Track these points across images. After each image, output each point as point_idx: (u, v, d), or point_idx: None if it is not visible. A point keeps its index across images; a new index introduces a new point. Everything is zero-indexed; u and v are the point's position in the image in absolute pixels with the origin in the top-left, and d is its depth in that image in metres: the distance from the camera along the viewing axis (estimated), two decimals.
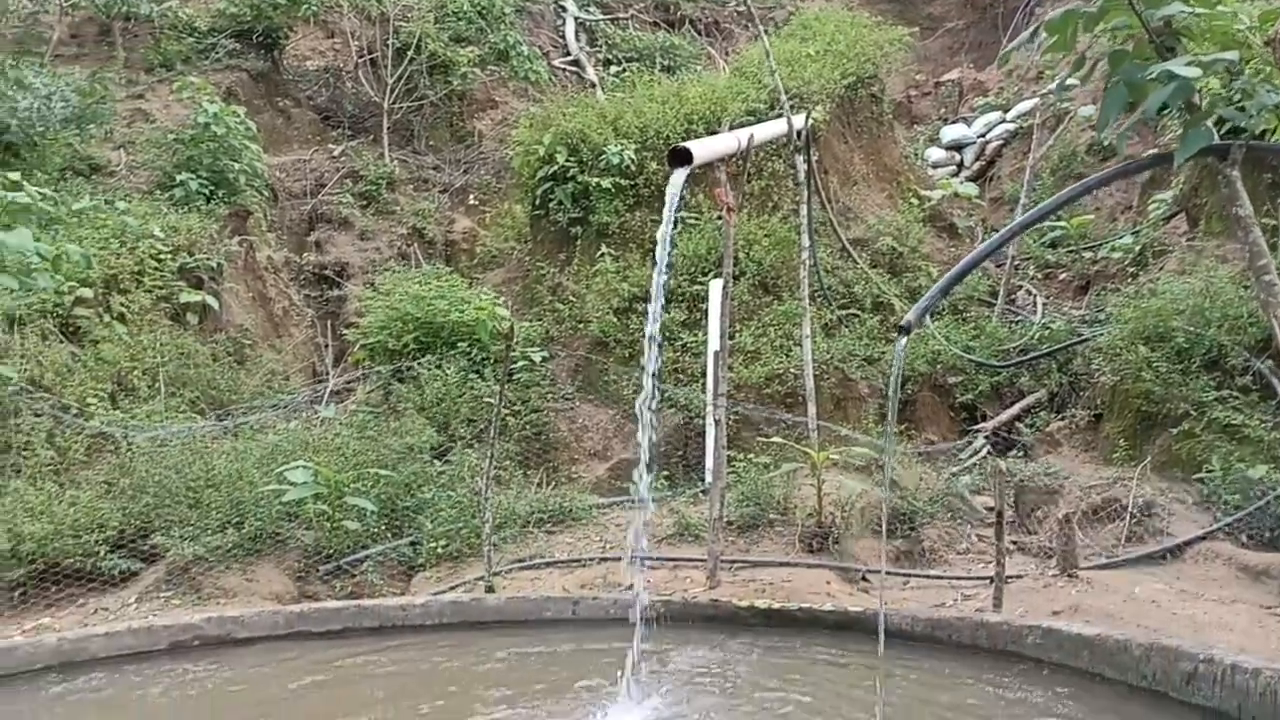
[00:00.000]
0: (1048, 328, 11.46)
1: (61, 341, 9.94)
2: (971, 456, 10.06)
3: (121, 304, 10.65)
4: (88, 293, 10.25)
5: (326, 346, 14.00)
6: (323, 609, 7.03)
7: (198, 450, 9.07)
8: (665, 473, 10.11)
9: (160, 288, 11.20)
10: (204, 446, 9.22)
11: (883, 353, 11.02)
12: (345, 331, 13.01)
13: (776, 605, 6.77)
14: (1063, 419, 10.53)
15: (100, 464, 9.19)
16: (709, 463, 9.15)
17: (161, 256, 11.28)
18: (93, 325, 10.28)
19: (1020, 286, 13.04)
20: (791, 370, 10.50)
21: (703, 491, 9.63)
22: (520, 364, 11.02)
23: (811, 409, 9.52)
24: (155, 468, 8.72)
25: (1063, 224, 13.69)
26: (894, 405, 6.02)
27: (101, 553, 8.07)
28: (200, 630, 6.55)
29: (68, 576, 8.01)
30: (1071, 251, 13.59)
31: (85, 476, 8.87)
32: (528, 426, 10.70)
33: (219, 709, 5.26)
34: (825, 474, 8.67)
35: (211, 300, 11.71)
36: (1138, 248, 12.43)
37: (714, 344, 9.38)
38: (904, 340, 4.70)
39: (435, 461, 9.73)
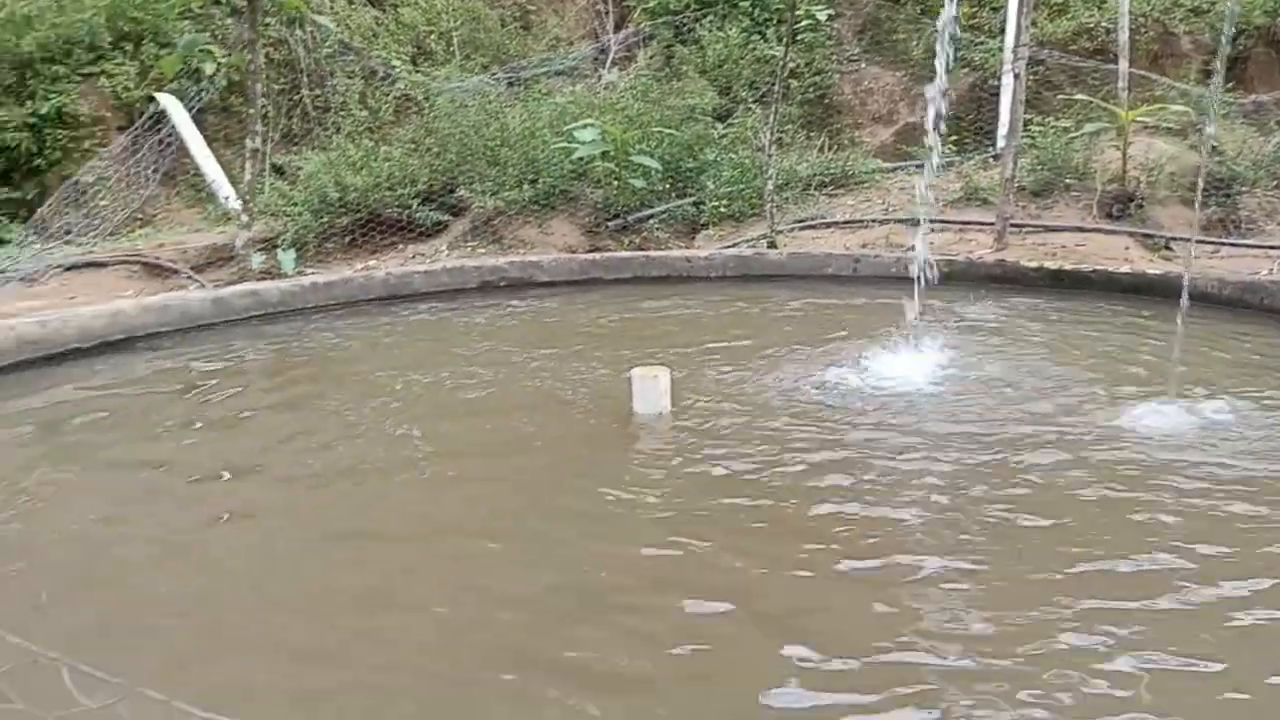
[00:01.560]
0: None
1: (365, 5, 10.38)
2: None
3: None
4: None
5: (607, 12, 13.92)
6: (614, 258, 7.43)
7: (493, 111, 9.47)
8: (953, 137, 9.68)
9: None
10: (498, 108, 9.61)
11: (1212, 3, 9.77)
12: None
13: (1068, 267, 6.54)
14: None
15: (407, 123, 9.81)
16: (1002, 123, 8.67)
17: None
18: None
19: None
20: (1103, 24, 9.54)
21: (994, 156, 9.19)
22: (804, 23, 10.57)
23: (1123, 65, 8.70)
24: (455, 127, 9.21)
25: None
26: (1223, 57, 5.37)
27: (414, 205, 8.75)
28: (505, 272, 7.11)
29: (387, 225, 8.79)
30: None
31: (395, 134, 9.50)
32: (811, 89, 10.42)
33: (545, 331, 5.77)
34: (1133, 136, 8.03)
35: None
36: None
37: None
38: None
39: (717, 124, 9.73)
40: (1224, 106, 8.77)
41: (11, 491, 3.35)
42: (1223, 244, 7.47)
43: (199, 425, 4.11)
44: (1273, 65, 9.80)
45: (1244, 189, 7.93)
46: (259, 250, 7.87)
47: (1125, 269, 6.41)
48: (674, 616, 2.46)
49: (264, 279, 7.17)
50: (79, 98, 9.70)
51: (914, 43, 10.44)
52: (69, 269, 7.84)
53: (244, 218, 7.25)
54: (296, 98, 10.04)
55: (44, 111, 9.52)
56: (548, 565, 2.77)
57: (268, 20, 9.41)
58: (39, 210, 8.68)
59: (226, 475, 3.52)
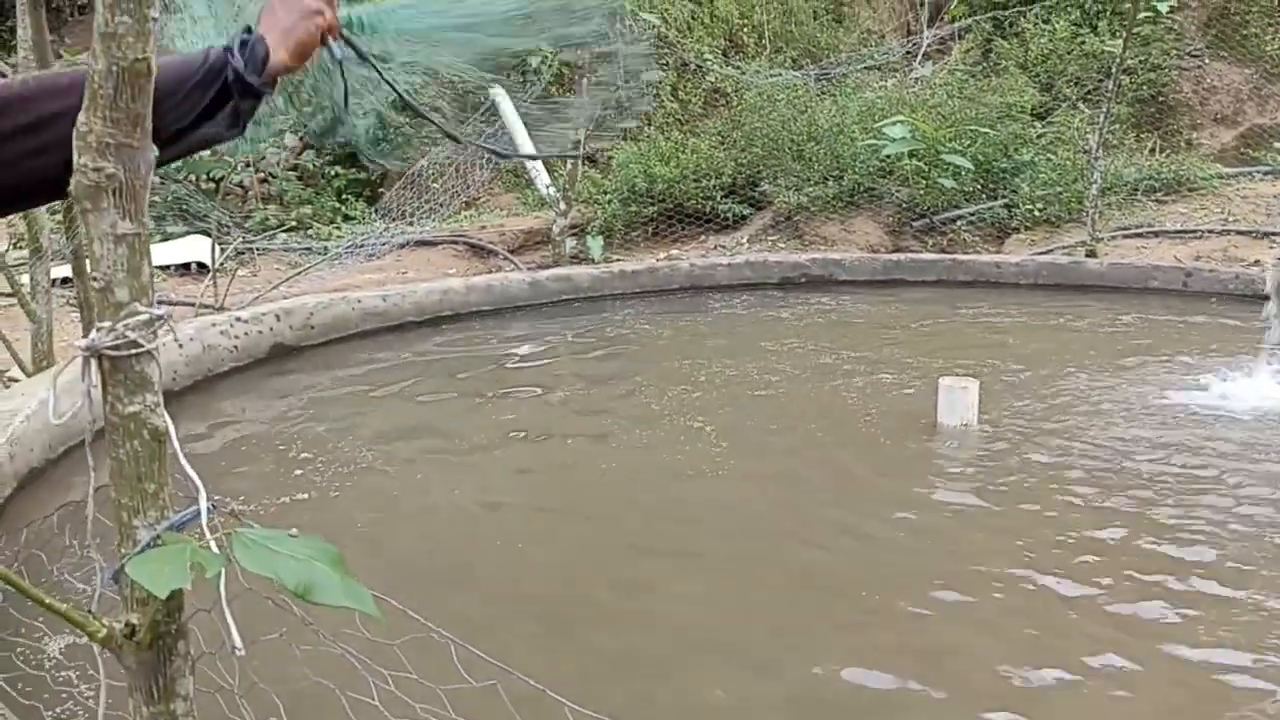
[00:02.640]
0: None
1: None
2: None
3: None
4: None
5: (922, 4, 13.54)
6: (918, 259, 7.26)
7: (801, 106, 9.44)
8: None
9: None
10: (807, 103, 9.57)
11: None
12: None
13: None
14: None
15: (716, 116, 9.97)
16: None
17: None
18: None
19: None
20: None
21: None
22: (1143, 14, 9.83)
23: None
24: (763, 121, 9.26)
25: None
26: None
27: (718, 197, 8.89)
28: (806, 269, 7.11)
29: (690, 216, 8.97)
30: None
31: (704, 127, 9.68)
32: (1144, 86, 9.70)
33: (847, 332, 5.71)
34: None
35: None
36: None
37: None
38: None
39: (1036, 123, 9.26)
40: None
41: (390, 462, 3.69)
42: None
43: (515, 398, 4.38)
44: None
45: None
46: (570, 236, 8.26)
47: None
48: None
49: (574, 263, 7.52)
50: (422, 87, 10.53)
51: (1269, 36, 9.49)
52: (403, 246, 8.53)
53: (562, 205, 7.63)
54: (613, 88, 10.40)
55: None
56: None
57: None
58: (386, 194, 9.49)
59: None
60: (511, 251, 8.69)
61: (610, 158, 9.54)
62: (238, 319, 4.84)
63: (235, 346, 4.70)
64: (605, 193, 8.93)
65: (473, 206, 10.08)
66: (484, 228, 9.11)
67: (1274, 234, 6.97)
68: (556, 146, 2.75)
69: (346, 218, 9.65)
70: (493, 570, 2.80)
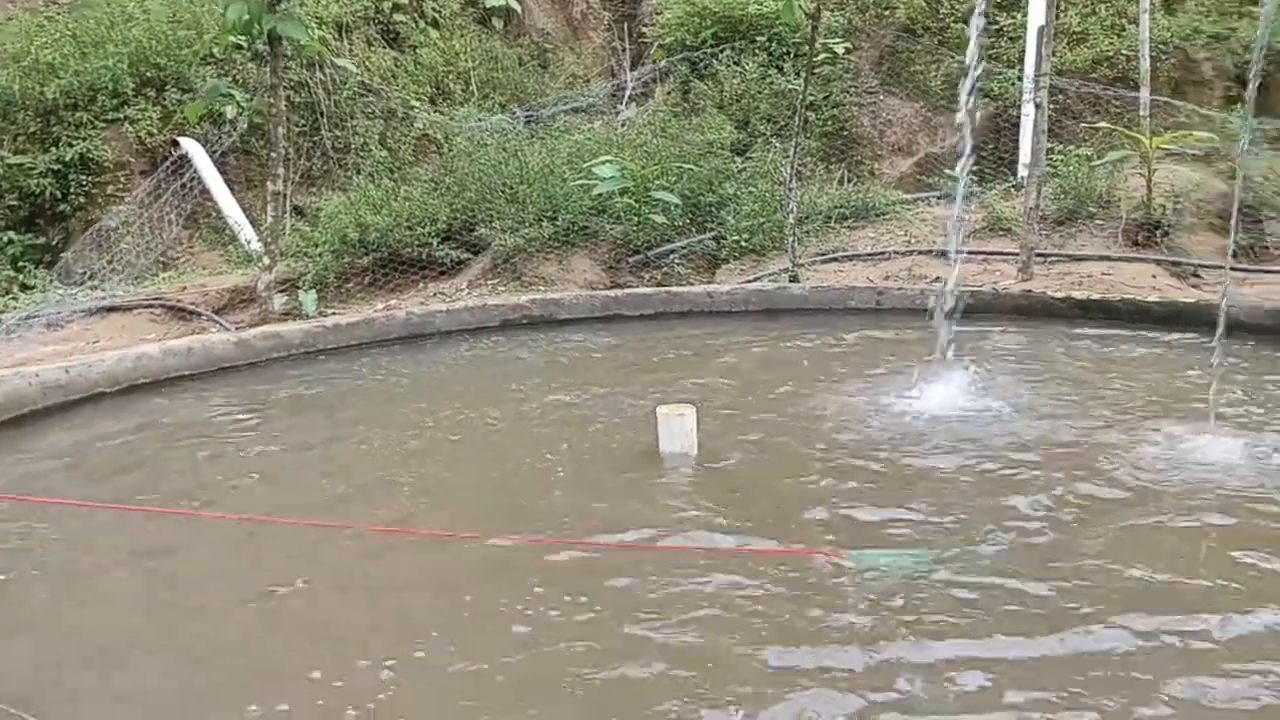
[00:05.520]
0: None
1: (384, 47, 10.46)
2: None
3: (434, 8, 11.00)
4: None
5: (624, 50, 14.02)
6: (636, 294, 7.39)
7: (511, 149, 9.49)
8: (975, 167, 9.63)
9: None
10: (517, 146, 9.63)
11: (1233, 30, 9.72)
12: (644, 31, 12.91)
13: (1095, 296, 6.45)
14: None
15: (426, 163, 9.86)
16: (1023, 153, 8.63)
17: None
18: (410, 31, 10.72)
19: None
20: (1124, 52, 9.51)
21: (1015, 186, 9.14)
22: (822, 56, 10.59)
23: (1144, 93, 8.65)
24: (475, 165, 9.23)
25: None
26: (1255, 81, 5.32)
27: (434, 244, 8.75)
28: (527, 310, 7.08)
29: (407, 264, 8.79)
30: None
31: (415, 173, 9.54)
32: (829, 122, 10.42)
33: (569, 369, 5.70)
34: (1157, 163, 7.96)
35: (515, 3, 11.87)
36: None
37: (1036, 20, 8.58)
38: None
39: (736, 158, 9.73)
40: (1250, 133, 8.69)
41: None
42: (1252, 270, 7.38)
43: (207, 463, 4.07)
44: None
45: (1271, 215, 7.85)
46: (280, 291, 7.88)
47: (1155, 298, 6.32)
48: None
49: (285, 320, 7.17)
50: (103, 143, 9.78)
51: (932, 73, 10.43)
52: (93, 313, 7.86)
53: (266, 260, 7.25)
54: (316, 139, 10.10)
55: (68, 158, 9.59)
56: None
57: (288, 64, 9.50)
58: (64, 255, 8.73)
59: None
60: (217, 312, 8.19)
61: (318, 209, 9.22)
62: None
63: None
64: (315, 245, 8.61)
65: (171, 267, 9.46)
66: (185, 288, 8.55)
67: (948, 252, 7.58)
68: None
69: (25, 287, 8.80)
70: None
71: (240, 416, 4.92)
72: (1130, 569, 2.77)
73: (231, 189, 9.49)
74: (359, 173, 9.57)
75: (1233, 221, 5.77)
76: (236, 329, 6.99)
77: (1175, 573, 2.76)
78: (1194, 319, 5.84)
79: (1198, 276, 7.38)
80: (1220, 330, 4.17)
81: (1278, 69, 9.70)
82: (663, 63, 11.76)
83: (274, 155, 6.93)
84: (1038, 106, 7.42)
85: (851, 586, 2.68)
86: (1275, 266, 7.45)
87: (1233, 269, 7.31)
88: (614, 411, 4.63)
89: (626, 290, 7.65)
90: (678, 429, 3.92)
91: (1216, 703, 2.16)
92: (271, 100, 6.88)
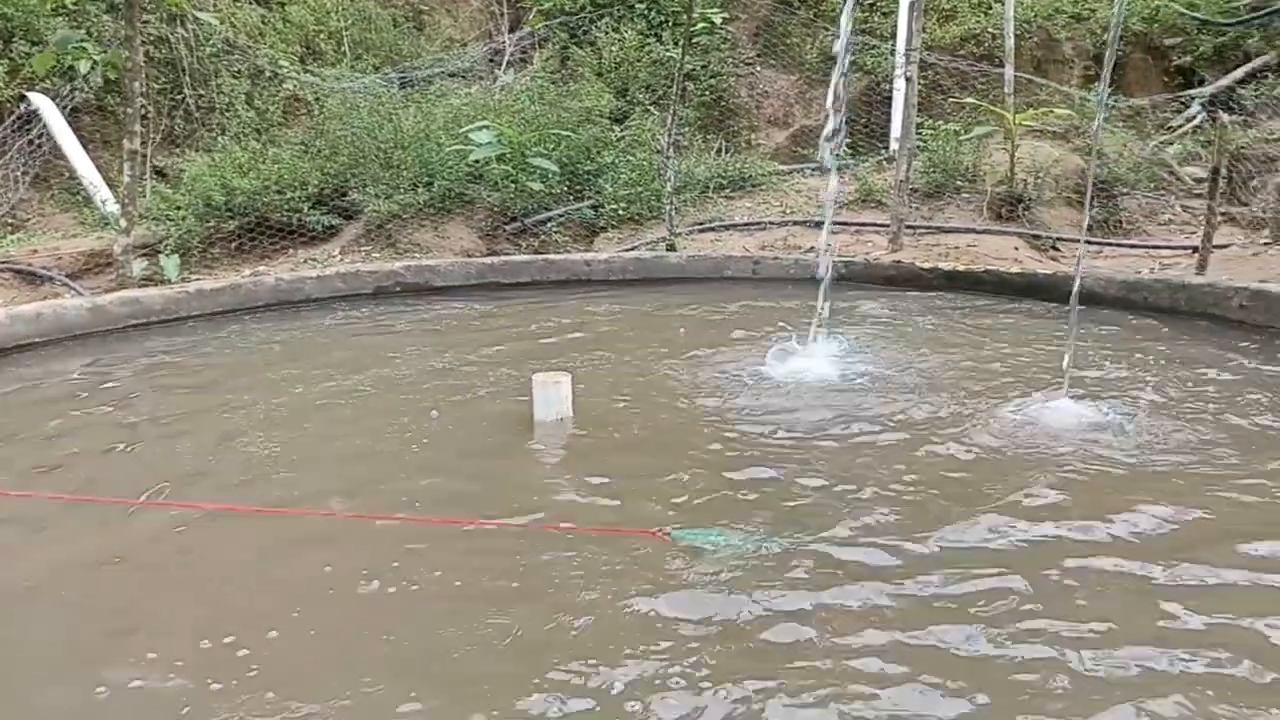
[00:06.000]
0: None
1: (251, 3, 10.06)
2: (1185, 124, 9.32)
3: None
4: None
5: (502, 14, 13.79)
6: (512, 261, 7.32)
7: (385, 113, 9.26)
8: (848, 140, 9.80)
9: None
10: (391, 109, 9.40)
11: (1092, 10, 10.09)
12: None
13: (961, 267, 6.66)
14: None
15: (296, 125, 9.54)
16: (895, 126, 8.81)
17: None
18: None
19: None
20: (990, 30, 9.78)
21: (887, 159, 9.34)
22: (700, 26, 10.61)
23: (1009, 70, 8.92)
24: (347, 129, 8.98)
25: None
26: (1110, 61, 5.53)
27: (305, 209, 8.51)
28: (401, 277, 6.95)
29: (276, 230, 8.52)
30: None
31: (284, 136, 9.23)
32: (707, 92, 10.46)
33: (443, 337, 5.58)
34: (1020, 139, 8.23)
35: None
36: None
37: None
38: None
39: (614, 126, 9.69)
40: (1106, 110, 9.05)
41: None
42: (1106, 244, 7.70)
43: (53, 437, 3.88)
44: (1149, 70, 10.17)
45: (1125, 191, 8.20)
46: (141, 257, 7.54)
47: (1016, 269, 6.55)
48: None
49: (146, 286, 6.86)
50: None
51: (808, 46, 10.56)
52: None
53: (122, 222, 6.90)
54: (179, 98, 9.67)
55: None
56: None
57: (147, 17, 9.05)
58: None
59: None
60: (71, 276, 7.81)
61: (182, 171, 8.85)
62: None
63: None
64: (178, 207, 8.26)
65: (21, 229, 8.96)
66: (35, 251, 8.12)
67: (822, 223, 7.70)
68: None
69: None
70: None
71: (94, 386, 4.70)
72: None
73: (86, 148, 9.00)
74: (225, 134, 9.20)
75: (1088, 197, 5.99)
76: (91, 294, 6.66)
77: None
78: (1051, 290, 6.09)
79: (1056, 249, 7.67)
80: (1075, 301, 4.33)
81: (1133, 49, 10.15)
82: (540, 28, 11.61)
83: (129, 111, 6.58)
84: (908, 81, 7.59)
85: (684, 567, 2.66)
86: (1128, 240, 7.79)
87: (1088, 242, 7.64)
88: (489, 379, 4.58)
89: (503, 258, 7.57)
90: (553, 396, 3.90)
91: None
92: (128, 53, 6.53)
